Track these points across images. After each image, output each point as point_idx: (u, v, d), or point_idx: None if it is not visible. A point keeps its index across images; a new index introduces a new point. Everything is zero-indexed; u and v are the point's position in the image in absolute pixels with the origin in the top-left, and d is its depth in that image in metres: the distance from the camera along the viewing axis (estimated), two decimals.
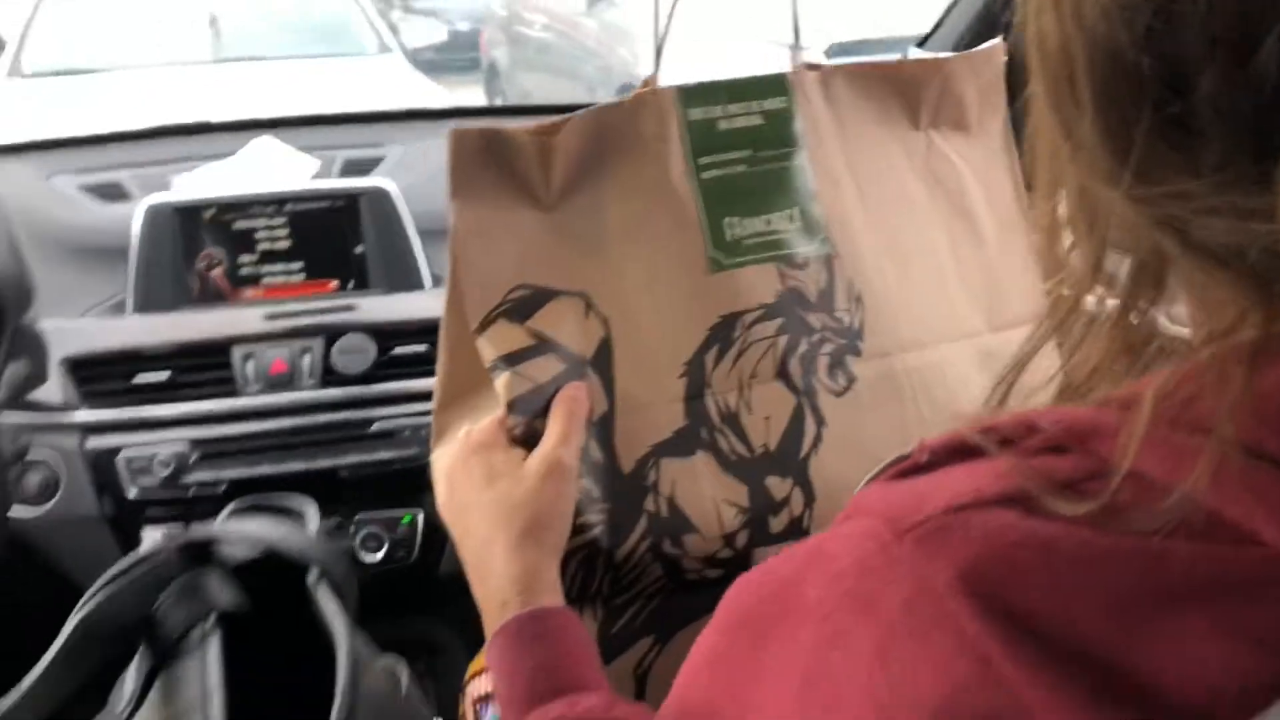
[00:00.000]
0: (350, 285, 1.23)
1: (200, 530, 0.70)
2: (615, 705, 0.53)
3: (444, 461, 0.65)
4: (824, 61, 0.73)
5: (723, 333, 0.68)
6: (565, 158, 0.65)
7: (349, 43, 4.00)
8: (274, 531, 0.68)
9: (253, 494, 1.15)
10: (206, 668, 0.64)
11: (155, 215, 1.19)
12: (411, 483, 1.14)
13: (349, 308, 1.20)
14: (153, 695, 0.66)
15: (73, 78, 3.38)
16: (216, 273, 1.20)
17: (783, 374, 0.68)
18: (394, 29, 4.64)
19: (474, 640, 0.61)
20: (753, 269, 0.68)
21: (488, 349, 0.64)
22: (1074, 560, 0.31)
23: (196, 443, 1.14)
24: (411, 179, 1.29)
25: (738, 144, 0.69)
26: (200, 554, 0.65)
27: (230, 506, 1.07)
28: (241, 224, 1.21)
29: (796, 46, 0.73)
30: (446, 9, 8.12)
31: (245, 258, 1.21)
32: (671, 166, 0.68)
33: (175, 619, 0.65)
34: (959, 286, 0.75)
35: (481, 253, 0.64)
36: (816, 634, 0.34)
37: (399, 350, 1.19)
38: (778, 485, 0.68)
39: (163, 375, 1.15)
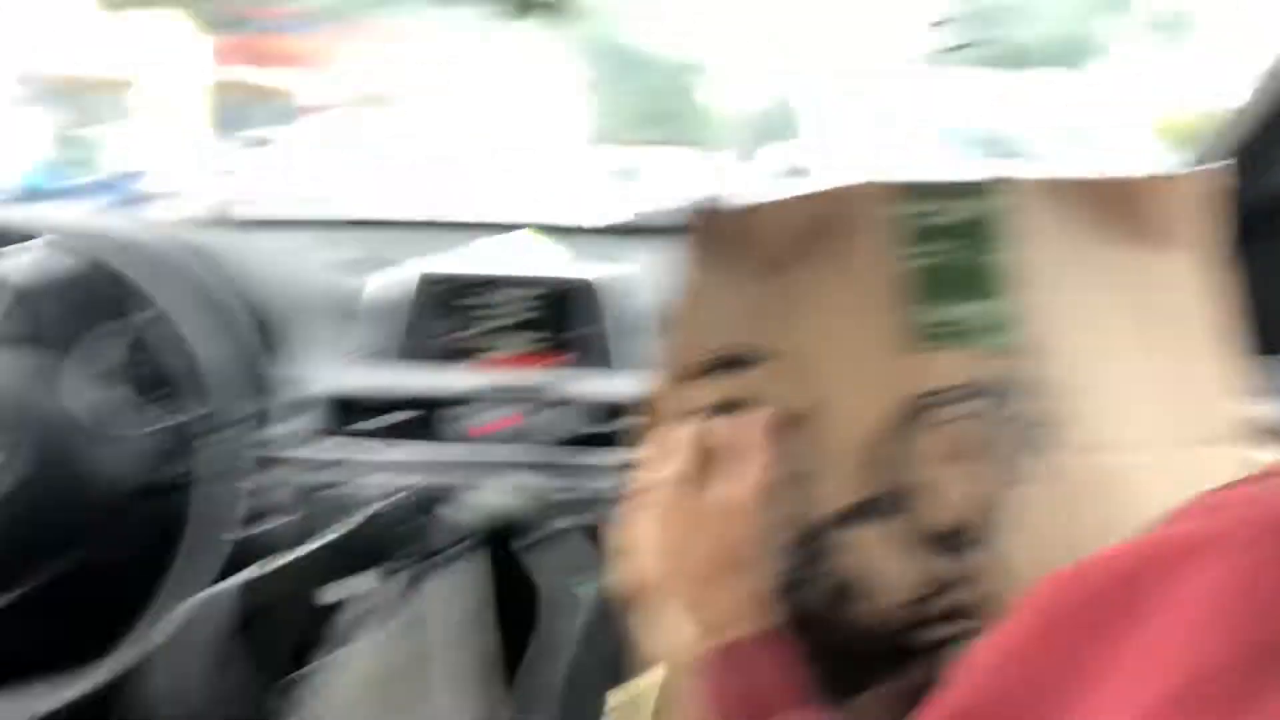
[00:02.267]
0: (581, 363, 1.34)
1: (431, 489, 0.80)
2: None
3: (641, 511, 0.70)
4: (1034, 171, 0.78)
5: (915, 411, 0.71)
6: (782, 232, 0.72)
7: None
8: (502, 498, 0.77)
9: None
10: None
11: (419, 281, 1.35)
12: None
13: (571, 381, 1.30)
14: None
15: None
16: (455, 339, 1.35)
17: (973, 457, 0.70)
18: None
19: None
20: (949, 354, 0.71)
21: (687, 403, 0.71)
22: None
23: (412, 490, 1.22)
24: (651, 276, 1.40)
25: (943, 237, 0.73)
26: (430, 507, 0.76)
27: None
28: (489, 297, 1.35)
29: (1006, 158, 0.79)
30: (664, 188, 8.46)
31: (487, 326, 1.35)
32: (878, 251, 0.73)
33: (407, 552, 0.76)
34: (1159, 396, 0.75)
35: (695, 311, 0.72)
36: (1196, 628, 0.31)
37: (609, 426, 1.27)
38: (956, 566, 0.69)
39: (391, 421, 1.27)
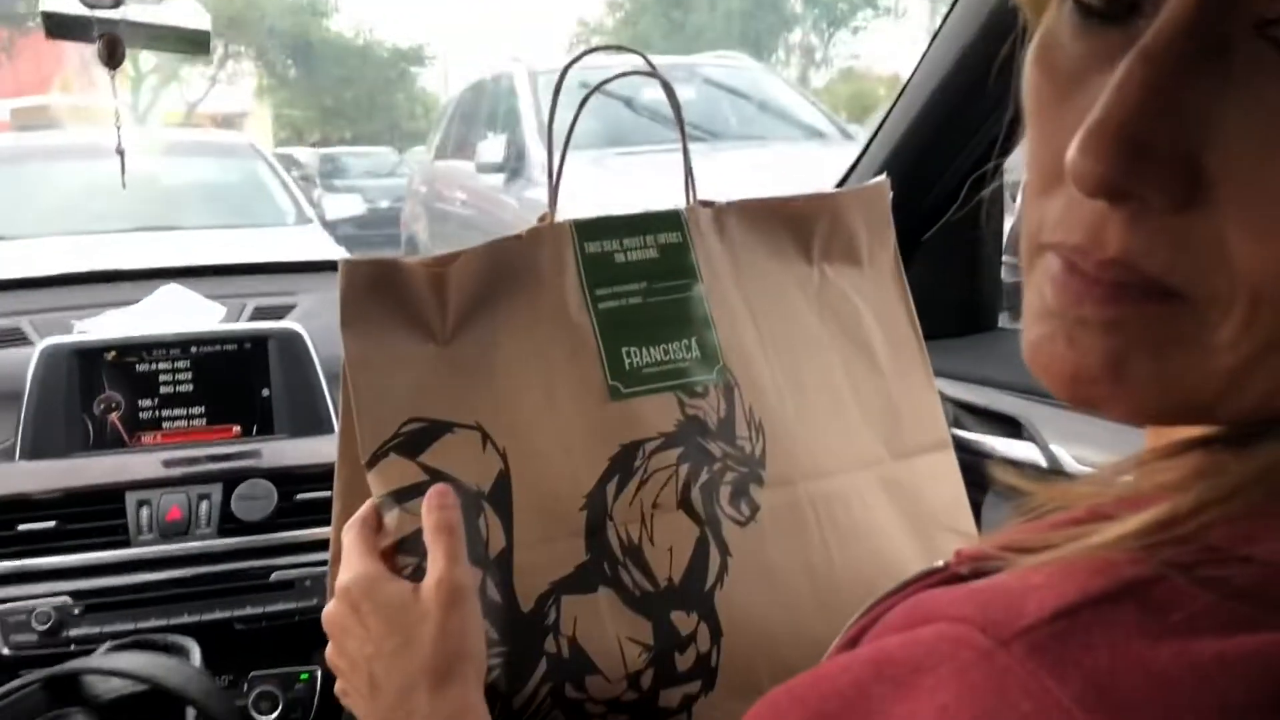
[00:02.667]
0: (254, 430, 1.20)
1: (69, 664, 0.65)
2: None
3: (333, 611, 0.61)
4: (718, 199, 0.76)
5: (624, 462, 0.66)
6: (460, 290, 0.65)
7: (268, 213, 4.04)
8: (151, 666, 0.64)
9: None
10: None
11: (52, 357, 1.15)
12: (310, 637, 1.08)
13: (251, 453, 1.16)
14: None
15: None
16: (114, 416, 1.16)
17: (685, 503, 0.67)
18: (315, 204, 4.72)
19: None
20: (652, 398, 0.68)
21: (378, 485, 0.62)
22: (1221, 662, 0.26)
23: (81, 594, 1.08)
24: (320, 325, 1.28)
25: (633, 277, 0.70)
26: (68, 690, 0.61)
27: (108, 643, 1.00)
28: (143, 367, 1.18)
29: (690, 182, 0.76)
30: (367, 187, 8.38)
31: (146, 401, 1.17)
32: (568, 298, 0.68)
33: None
34: (858, 415, 0.75)
35: (374, 386, 0.63)
36: None
37: (302, 496, 1.14)
38: (683, 620, 0.66)
39: (49, 524, 1.09)
